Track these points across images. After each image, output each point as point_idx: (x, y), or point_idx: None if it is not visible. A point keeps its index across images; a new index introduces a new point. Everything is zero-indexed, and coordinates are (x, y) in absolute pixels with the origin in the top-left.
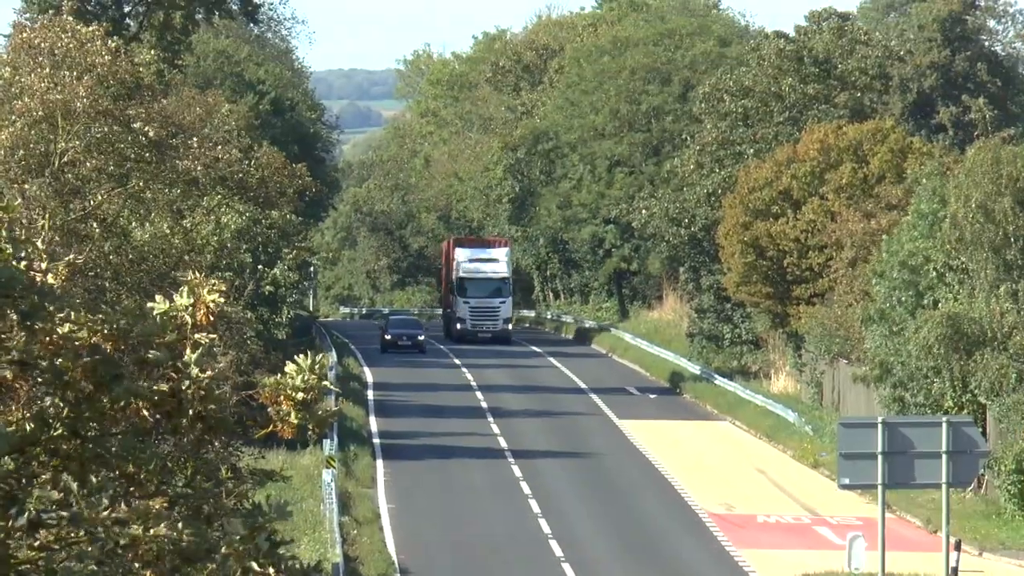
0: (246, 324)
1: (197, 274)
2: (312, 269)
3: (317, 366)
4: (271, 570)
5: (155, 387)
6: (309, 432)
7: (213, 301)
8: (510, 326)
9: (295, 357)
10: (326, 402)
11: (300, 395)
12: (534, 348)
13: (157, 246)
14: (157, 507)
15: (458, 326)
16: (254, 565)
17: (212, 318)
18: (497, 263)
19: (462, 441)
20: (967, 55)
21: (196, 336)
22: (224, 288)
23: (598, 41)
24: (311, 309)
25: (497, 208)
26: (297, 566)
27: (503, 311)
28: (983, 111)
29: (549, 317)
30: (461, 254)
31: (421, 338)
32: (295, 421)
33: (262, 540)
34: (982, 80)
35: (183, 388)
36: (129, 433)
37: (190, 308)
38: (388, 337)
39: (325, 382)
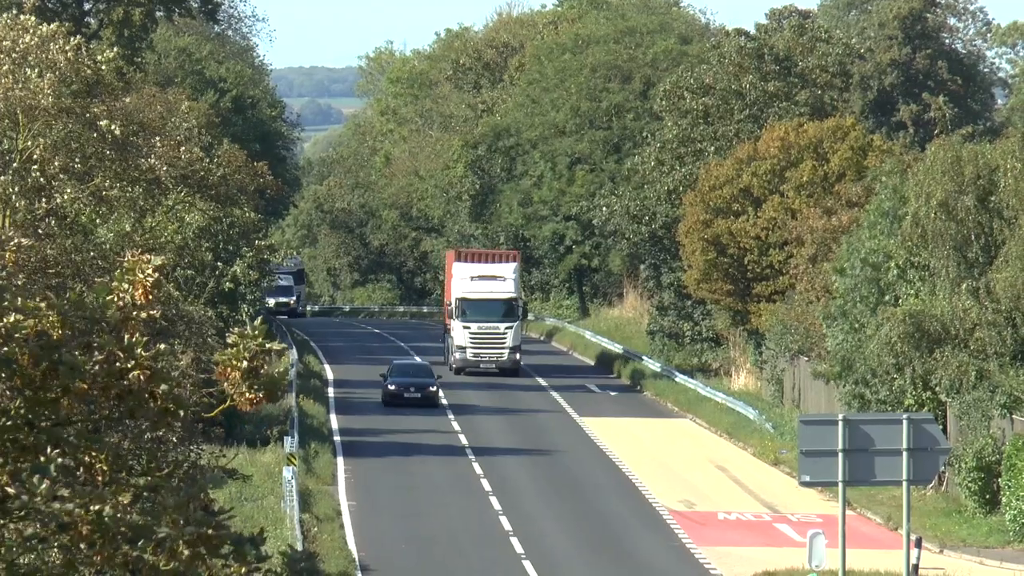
0: (207, 323)
1: (133, 254)
2: (273, 267)
3: (256, 331)
4: (210, 531)
5: (98, 367)
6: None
7: (149, 278)
8: (519, 356)
9: (233, 329)
10: (276, 366)
11: (245, 363)
12: None
13: (118, 244)
14: (107, 491)
15: (456, 355)
16: (189, 536)
17: (151, 296)
18: (503, 281)
19: (423, 438)
20: (927, 53)
21: (137, 314)
22: (159, 263)
23: (559, 39)
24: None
25: (458, 205)
26: (233, 530)
27: (510, 338)
28: (942, 109)
29: None
30: (461, 270)
31: (433, 389)
32: (247, 392)
33: (196, 508)
34: (942, 78)
35: (128, 367)
36: (85, 422)
37: (129, 288)
38: (391, 388)
39: (269, 345)
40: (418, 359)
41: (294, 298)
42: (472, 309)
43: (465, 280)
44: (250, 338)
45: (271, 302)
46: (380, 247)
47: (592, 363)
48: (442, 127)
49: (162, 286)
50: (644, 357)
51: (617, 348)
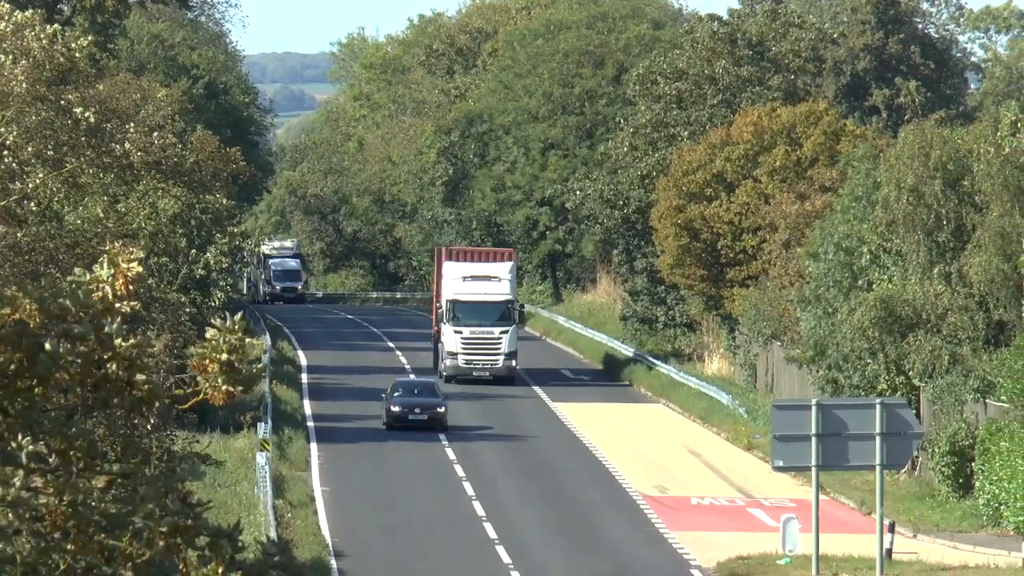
0: (180, 307)
1: (115, 244)
2: (246, 253)
3: (236, 326)
4: (187, 522)
5: (77, 357)
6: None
7: (131, 270)
8: (515, 362)
9: (212, 321)
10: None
11: (224, 356)
12: None
13: (91, 230)
14: (82, 481)
15: (447, 362)
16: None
17: (131, 287)
18: (498, 282)
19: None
20: (900, 38)
21: (117, 305)
22: (142, 256)
23: (531, 24)
24: (245, 293)
25: (431, 191)
26: (210, 523)
27: (505, 344)
28: (912, 95)
29: None
30: (451, 270)
31: (441, 410)
32: (223, 385)
33: (174, 500)
34: (915, 63)
35: (106, 358)
36: (59, 410)
37: (110, 278)
38: (395, 410)
39: (249, 340)
40: (415, 376)
41: (301, 283)
42: (464, 312)
43: (456, 280)
44: (229, 332)
45: (277, 287)
46: (353, 233)
47: (566, 348)
48: (415, 113)
49: (144, 280)
50: (617, 342)
51: (591, 334)
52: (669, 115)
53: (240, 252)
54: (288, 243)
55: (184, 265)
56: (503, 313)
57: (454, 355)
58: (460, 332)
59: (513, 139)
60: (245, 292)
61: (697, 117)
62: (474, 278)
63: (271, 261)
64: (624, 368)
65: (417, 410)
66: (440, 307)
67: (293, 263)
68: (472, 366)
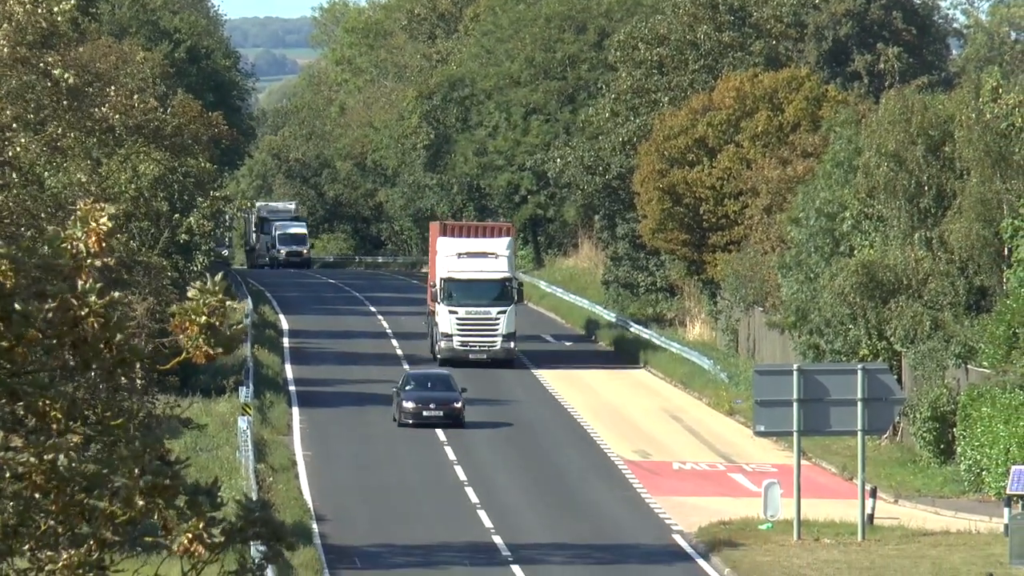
0: (162, 271)
1: (87, 202)
2: (228, 217)
3: (216, 287)
4: (165, 481)
5: (51, 315)
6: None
7: (103, 226)
8: (513, 344)
9: (193, 283)
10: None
11: (203, 318)
12: None
13: (72, 193)
14: (58, 439)
15: (442, 344)
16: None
17: (104, 244)
18: (495, 259)
19: (378, 389)
20: (882, 3)
21: (91, 262)
22: (112, 211)
23: None
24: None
25: (413, 156)
26: (188, 481)
27: (503, 324)
28: (894, 60)
29: None
30: (446, 246)
31: (458, 405)
32: (204, 345)
33: (152, 459)
34: (897, 28)
35: (82, 315)
36: (40, 372)
37: (82, 236)
38: (408, 406)
39: (229, 302)
40: (428, 368)
41: (306, 248)
42: (459, 291)
43: (451, 257)
44: (210, 293)
45: (282, 252)
46: (335, 197)
47: (547, 313)
48: (397, 77)
49: (115, 234)
50: (599, 307)
51: (573, 299)
52: (650, 81)
53: (223, 216)
54: (287, 205)
55: (166, 229)
56: (501, 292)
57: (449, 337)
58: (455, 312)
59: (495, 104)
60: (248, 257)
61: (679, 83)
62: (470, 255)
63: (275, 224)
64: (606, 333)
65: (432, 406)
66: (433, 286)
67: (299, 227)
68: (468, 348)
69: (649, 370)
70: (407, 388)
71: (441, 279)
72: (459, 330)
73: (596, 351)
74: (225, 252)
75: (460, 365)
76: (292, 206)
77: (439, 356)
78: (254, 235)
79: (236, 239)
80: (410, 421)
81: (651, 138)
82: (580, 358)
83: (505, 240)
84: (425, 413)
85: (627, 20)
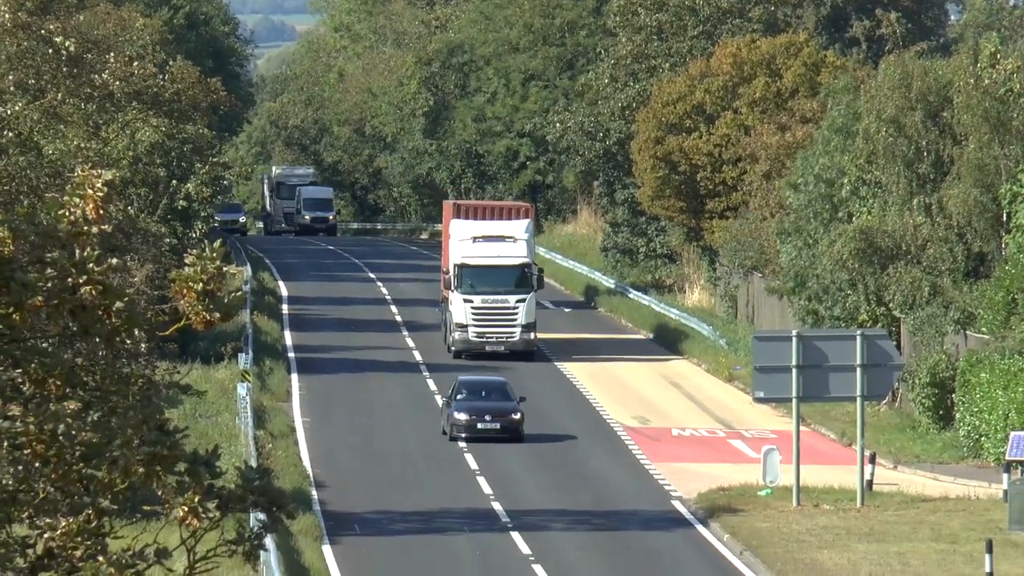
0: (161, 238)
1: (84, 168)
2: (226, 184)
3: (214, 254)
4: (164, 450)
5: (50, 282)
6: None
7: (100, 192)
8: (533, 335)
9: (190, 249)
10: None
11: (201, 285)
12: None
13: (71, 160)
14: (56, 407)
15: (456, 335)
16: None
17: (102, 211)
18: (513, 243)
19: (377, 355)
20: None
21: (88, 229)
22: (110, 177)
23: None
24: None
25: (411, 122)
26: (189, 451)
27: (523, 314)
28: (893, 26)
29: None
30: (460, 228)
31: (517, 416)
32: (202, 312)
33: (151, 428)
34: None
35: (80, 282)
36: (39, 339)
37: (80, 203)
38: (460, 418)
39: (227, 268)
40: (483, 375)
41: (332, 213)
42: (475, 278)
43: (466, 242)
44: (208, 260)
45: (307, 217)
46: (333, 164)
47: (546, 280)
48: (396, 44)
49: (112, 200)
50: (598, 273)
51: (572, 265)
52: (650, 47)
53: (221, 182)
54: (305, 169)
55: (164, 196)
56: (519, 279)
57: (463, 327)
58: (470, 301)
59: (494, 70)
60: (261, 223)
61: (678, 49)
62: (486, 239)
63: (300, 188)
64: (605, 299)
65: (488, 417)
66: (447, 272)
67: (325, 191)
68: (484, 340)
69: (648, 336)
70: (458, 397)
71: (455, 265)
72: (475, 320)
73: (595, 317)
74: (241, 219)
75: (476, 357)
76: (310, 170)
77: (453, 348)
78: (269, 200)
79: (252, 205)
80: (463, 435)
81: (649, 105)
82: (579, 324)
83: (523, 223)
84: (480, 426)
85: None
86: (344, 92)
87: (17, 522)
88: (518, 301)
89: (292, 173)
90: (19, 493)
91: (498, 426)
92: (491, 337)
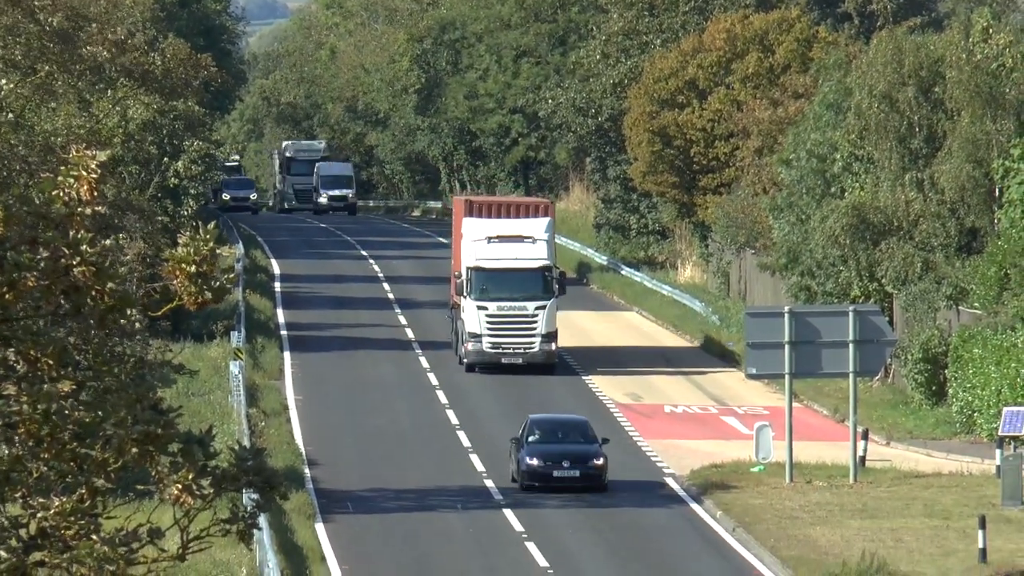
0: (153, 215)
1: (78, 148)
2: (219, 161)
3: (207, 235)
4: (158, 429)
5: (43, 263)
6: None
7: (94, 173)
8: (555, 345)
9: (183, 231)
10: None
11: (193, 267)
12: (441, 239)
13: (63, 136)
14: (49, 386)
15: (469, 346)
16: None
17: (96, 192)
18: (533, 244)
19: (369, 333)
20: None
21: (82, 210)
22: (103, 158)
23: None
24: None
25: (404, 99)
26: (183, 430)
27: (542, 323)
28: (884, 1)
29: None
30: (473, 228)
31: (599, 462)
32: (195, 292)
33: (144, 408)
34: None
35: (73, 263)
36: (32, 318)
37: (74, 183)
38: (534, 464)
39: (220, 250)
40: (559, 413)
41: (352, 192)
42: (490, 283)
43: (480, 243)
44: (201, 241)
45: (324, 196)
46: (328, 141)
47: None
48: (388, 21)
49: (106, 181)
50: (591, 249)
51: (564, 241)
52: (641, 22)
53: (213, 160)
54: (316, 144)
55: (156, 173)
56: (539, 283)
57: (477, 337)
58: (485, 308)
59: (486, 47)
60: (271, 203)
61: (670, 24)
62: (502, 239)
63: (319, 166)
64: (597, 276)
65: (566, 464)
66: (458, 276)
67: (344, 167)
68: (500, 351)
69: (640, 312)
70: (530, 439)
71: (468, 268)
72: (490, 329)
73: (587, 293)
74: (253, 196)
75: (490, 371)
76: (322, 144)
77: (465, 360)
78: (279, 177)
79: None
80: (536, 484)
81: (641, 80)
82: (571, 300)
83: (544, 220)
84: (556, 474)
85: None
86: (336, 69)
87: (10, 502)
88: (537, 308)
89: (303, 148)
90: (12, 472)
91: (577, 473)
92: (508, 348)
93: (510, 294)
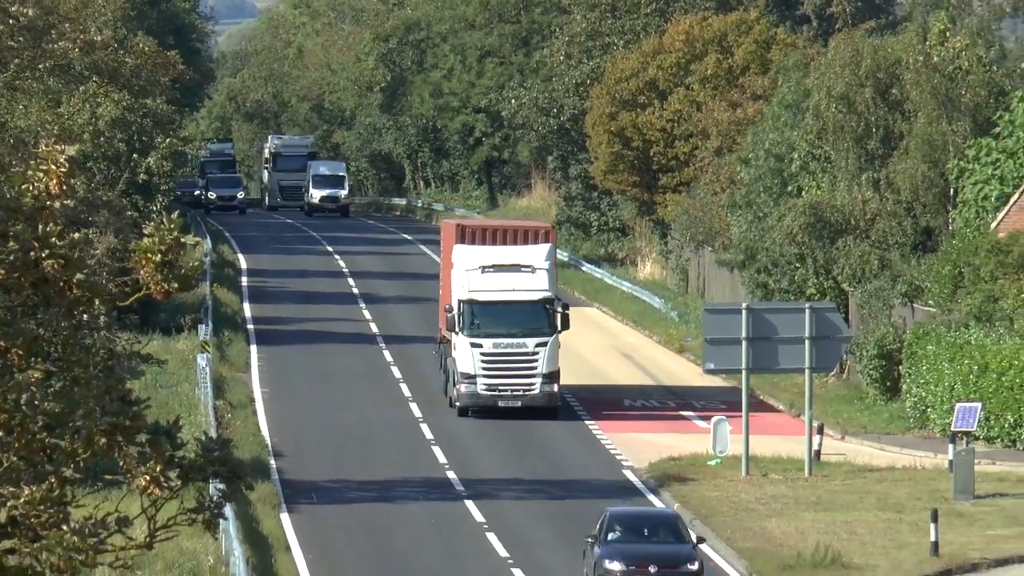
0: (124, 210)
1: (48, 143)
2: (188, 158)
3: (172, 225)
4: (126, 421)
5: (13, 255)
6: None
7: (62, 167)
8: (556, 387)
9: (149, 221)
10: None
11: (160, 256)
12: (405, 236)
13: (33, 132)
14: (19, 377)
15: (462, 388)
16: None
17: (65, 186)
18: (531, 273)
19: (335, 327)
20: None
21: (51, 204)
22: (72, 153)
23: None
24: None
25: (369, 98)
26: (151, 421)
27: (543, 361)
28: (843, 4)
29: (420, 205)
30: (466, 256)
31: (694, 567)
32: (162, 281)
33: (113, 399)
34: None
35: (43, 256)
36: (1, 309)
37: (43, 177)
38: (614, 568)
39: (185, 239)
40: (641, 506)
41: (344, 191)
42: (485, 317)
43: (473, 272)
44: (166, 231)
45: (315, 197)
46: (313, 137)
47: None
48: (354, 20)
49: (75, 175)
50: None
51: None
52: (604, 24)
53: (183, 157)
54: (303, 139)
55: (126, 170)
56: (540, 318)
57: (471, 378)
58: (479, 346)
59: (450, 47)
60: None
61: (631, 26)
62: (498, 268)
63: (311, 164)
64: (559, 272)
65: (653, 569)
66: (449, 309)
67: (336, 166)
68: (497, 393)
69: (601, 308)
70: (610, 537)
71: (460, 301)
72: (485, 369)
73: None
74: (240, 194)
75: (485, 416)
76: (309, 140)
77: (458, 403)
78: (266, 173)
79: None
80: None
81: (603, 81)
82: None
83: (543, 248)
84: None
85: None
86: (303, 68)
87: None
88: (538, 345)
89: (290, 143)
90: None
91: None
92: (505, 390)
93: (508, 330)
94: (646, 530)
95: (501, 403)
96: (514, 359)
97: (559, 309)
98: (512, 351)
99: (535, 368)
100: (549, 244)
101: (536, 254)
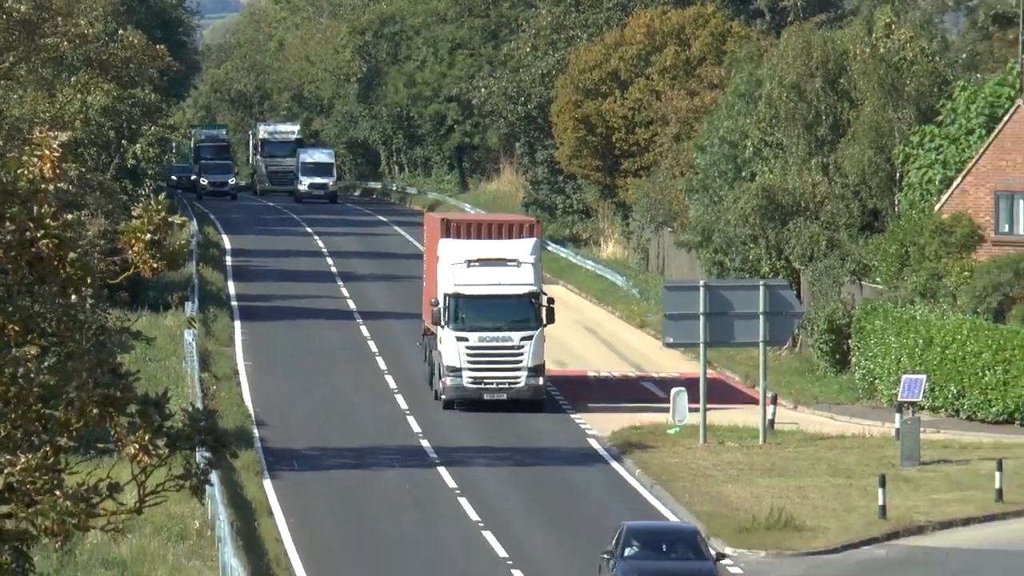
0: (115, 193)
1: (42, 129)
2: (174, 145)
3: (159, 206)
4: (117, 392)
5: (9, 236)
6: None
7: (56, 152)
8: (542, 380)
9: (137, 203)
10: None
11: (148, 236)
12: (380, 218)
13: (28, 120)
14: (16, 351)
15: (447, 381)
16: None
17: (58, 170)
18: (516, 267)
19: (315, 304)
20: None
21: (45, 186)
22: (65, 139)
23: None
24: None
25: (346, 87)
26: (140, 393)
27: (528, 355)
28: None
29: (395, 189)
30: (451, 250)
31: None
32: (150, 260)
33: (104, 372)
34: None
35: (38, 236)
36: None
37: (37, 162)
38: None
39: (172, 218)
40: (656, 520)
41: (332, 179)
42: (471, 311)
43: (459, 267)
44: (154, 212)
45: (304, 184)
46: (300, 124)
47: None
48: (332, 15)
49: (68, 159)
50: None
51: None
52: (568, 18)
53: (169, 144)
54: (290, 127)
55: (115, 156)
56: (525, 311)
57: (456, 371)
58: (465, 339)
59: (423, 39)
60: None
61: (594, 20)
62: (483, 262)
63: (300, 152)
64: None
65: None
66: (435, 304)
67: (325, 153)
68: (482, 386)
69: (566, 286)
70: (627, 552)
71: (446, 295)
72: (470, 363)
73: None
74: (231, 180)
75: (471, 408)
76: (296, 126)
77: (443, 396)
78: (255, 159)
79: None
80: None
81: (568, 71)
82: None
83: (529, 242)
84: None
85: None
86: (284, 60)
87: None
88: (523, 339)
89: (277, 130)
90: None
91: None
92: (490, 383)
93: (493, 323)
94: (664, 546)
95: (487, 396)
96: (500, 352)
97: (544, 303)
98: (498, 344)
99: (521, 361)
100: (534, 238)
101: (521, 248)
